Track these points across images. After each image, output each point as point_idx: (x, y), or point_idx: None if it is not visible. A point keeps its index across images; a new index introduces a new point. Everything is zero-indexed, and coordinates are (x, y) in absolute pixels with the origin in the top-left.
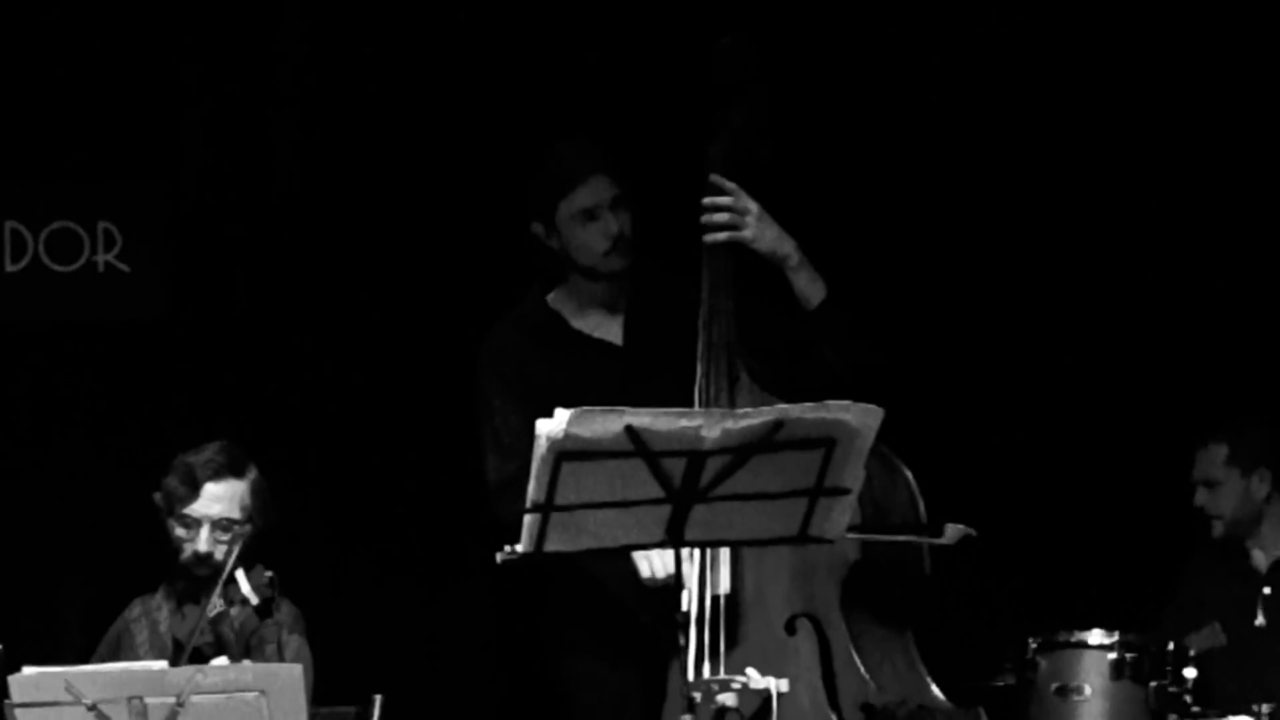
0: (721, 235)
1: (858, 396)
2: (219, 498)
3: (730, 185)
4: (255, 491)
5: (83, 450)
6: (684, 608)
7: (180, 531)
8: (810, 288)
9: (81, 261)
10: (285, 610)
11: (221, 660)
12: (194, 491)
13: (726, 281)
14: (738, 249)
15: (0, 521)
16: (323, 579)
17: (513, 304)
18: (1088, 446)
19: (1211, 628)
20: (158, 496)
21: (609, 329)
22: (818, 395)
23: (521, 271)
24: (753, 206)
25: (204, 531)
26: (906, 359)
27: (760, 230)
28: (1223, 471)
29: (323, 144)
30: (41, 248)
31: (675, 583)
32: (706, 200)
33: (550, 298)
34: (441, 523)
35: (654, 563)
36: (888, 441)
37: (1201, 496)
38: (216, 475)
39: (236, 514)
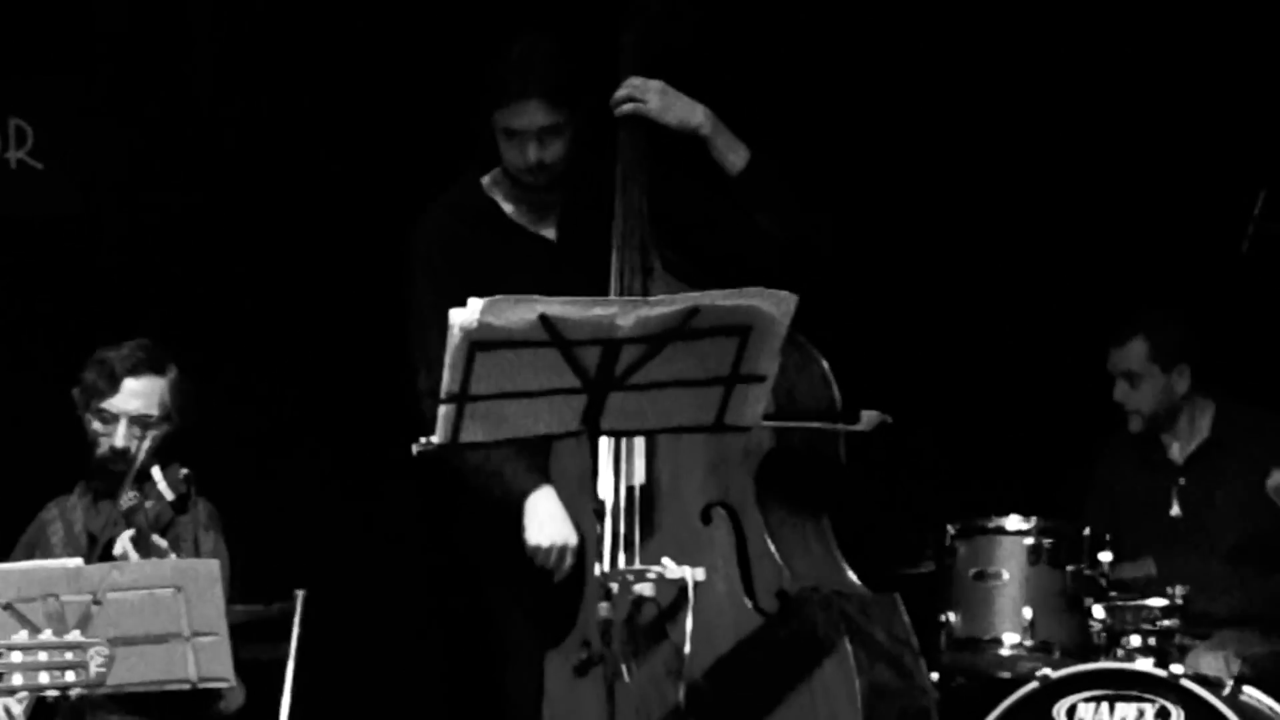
0: (627, 108)
1: (800, 265)
2: (137, 393)
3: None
4: (174, 389)
5: None
6: (601, 498)
7: (97, 426)
8: (731, 153)
9: None
10: (201, 508)
11: (127, 535)
12: (113, 386)
13: (638, 168)
14: (652, 132)
15: None
16: (245, 476)
17: (442, 189)
18: (1005, 332)
19: (1145, 560)
20: (75, 392)
21: (544, 222)
22: (746, 278)
23: (447, 160)
24: (655, 84)
25: (121, 427)
26: (848, 219)
27: (666, 102)
28: (1143, 366)
29: (242, 34)
30: None
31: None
32: (621, 90)
33: (485, 182)
34: (362, 417)
35: (544, 529)
36: (802, 329)
37: (1121, 391)
38: (135, 371)
39: (155, 410)
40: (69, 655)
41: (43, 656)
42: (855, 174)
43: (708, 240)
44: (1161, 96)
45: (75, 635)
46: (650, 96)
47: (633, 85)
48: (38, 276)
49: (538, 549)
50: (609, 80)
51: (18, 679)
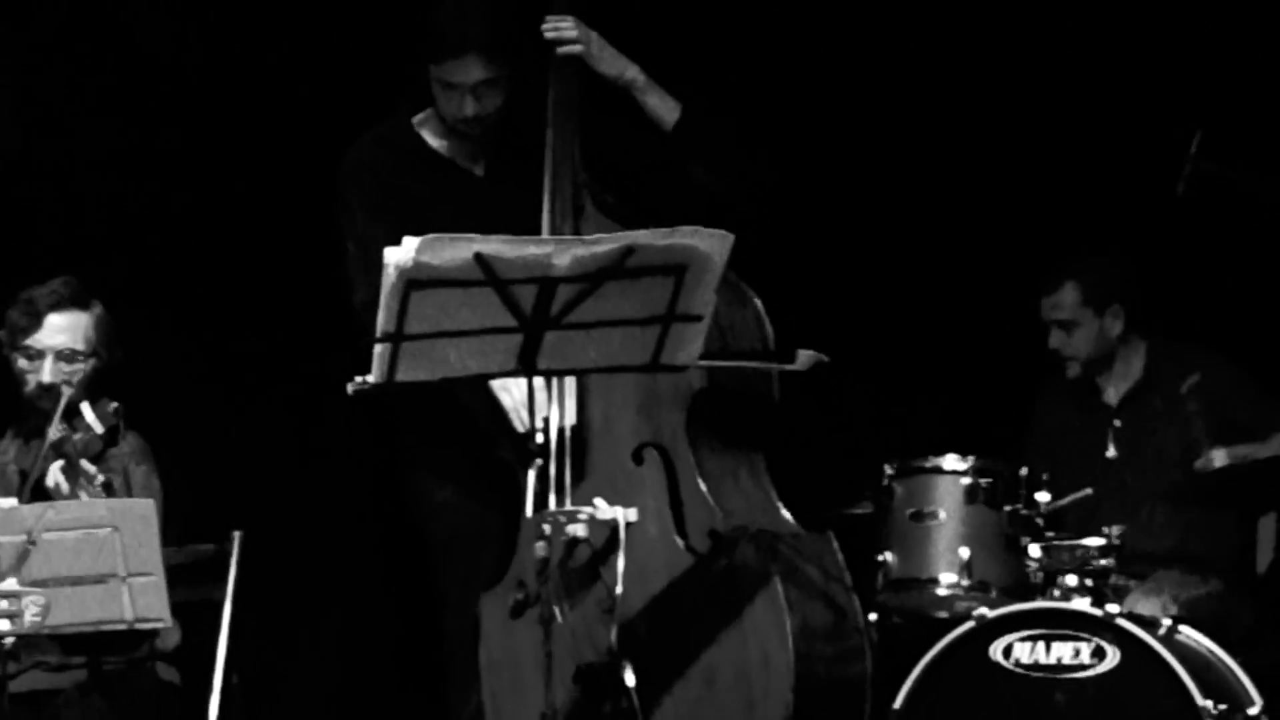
0: (562, 49)
1: (733, 215)
2: (62, 328)
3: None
4: (99, 324)
5: None
6: (536, 440)
7: (23, 364)
8: (663, 108)
9: None
10: (132, 441)
11: (57, 466)
12: (36, 322)
13: (571, 110)
14: (585, 75)
15: None
16: (183, 417)
17: (372, 125)
18: (943, 272)
19: (1084, 495)
20: (1, 332)
21: (473, 159)
22: (679, 221)
23: (381, 97)
24: (592, 34)
25: (47, 363)
26: (785, 160)
27: (600, 51)
28: (1076, 312)
29: None
30: None
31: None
32: (547, 23)
33: (416, 120)
34: (299, 357)
35: (514, 393)
36: (738, 267)
37: (1056, 339)
38: (59, 306)
39: (80, 345)
40: (3, 604)
41: None
42: (792, 116)
43: (640, 186)
44: (1096, 37)
45: (11, 584)
46: (590, 41)
47: (570, 26)
48: None
49: (516, 407)
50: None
51: None
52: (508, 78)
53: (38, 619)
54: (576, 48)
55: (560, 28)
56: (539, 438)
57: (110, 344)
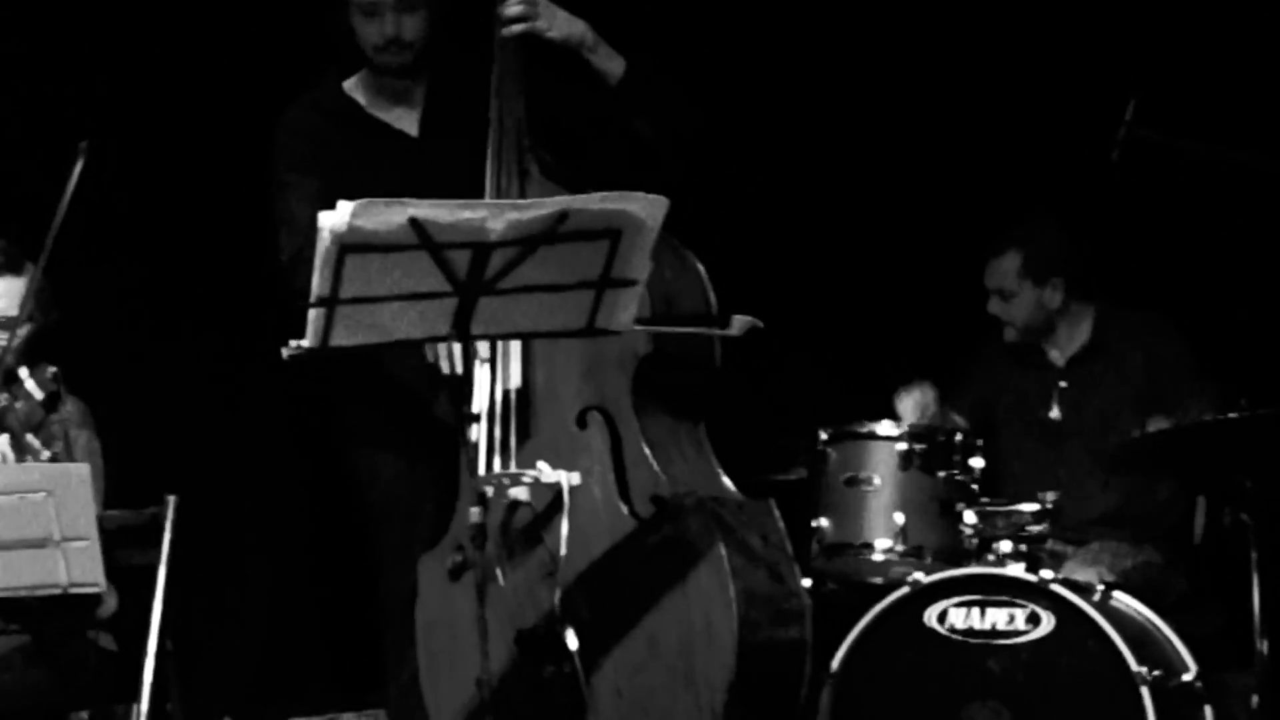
0: (517, 28)
1: (668, 163)
2: None
3: None
4: (33, 289)
5: None
6: (475, 402)
7: None
8: (610, 64)
9: None
10: (72, 406)
11: (4, 440)
12: None
13: (517, 74)
14: (529, 42)
15: None
16: (116, 380)
17: (307, 88)
18: (879, 236)
19: (922, 389)
20: None
21: (406, 120)
22: (622, 181)
23: (317, 56)
24: (540, 4)
25: None
26: (723, 117)
27: (550, 16)
28: (1016, 283)
29: None
30: None
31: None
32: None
33: (347, 84)
34: (233, 319)
35: (455, 357)
36: (677, 231)
37: (995, 306)
38: None
39: (15, 311)
40: None
41: None
42: (732, 78)
43: (580, 143)
44: (1031, 2)
45: None
46: (540, 13)
47: (516, 8)
48: None
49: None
50: None
51: None
52: (429, 4)
53: None
54: (534, 25)
55: (520, 9)
56: (477, 400)
57: (46, 307)
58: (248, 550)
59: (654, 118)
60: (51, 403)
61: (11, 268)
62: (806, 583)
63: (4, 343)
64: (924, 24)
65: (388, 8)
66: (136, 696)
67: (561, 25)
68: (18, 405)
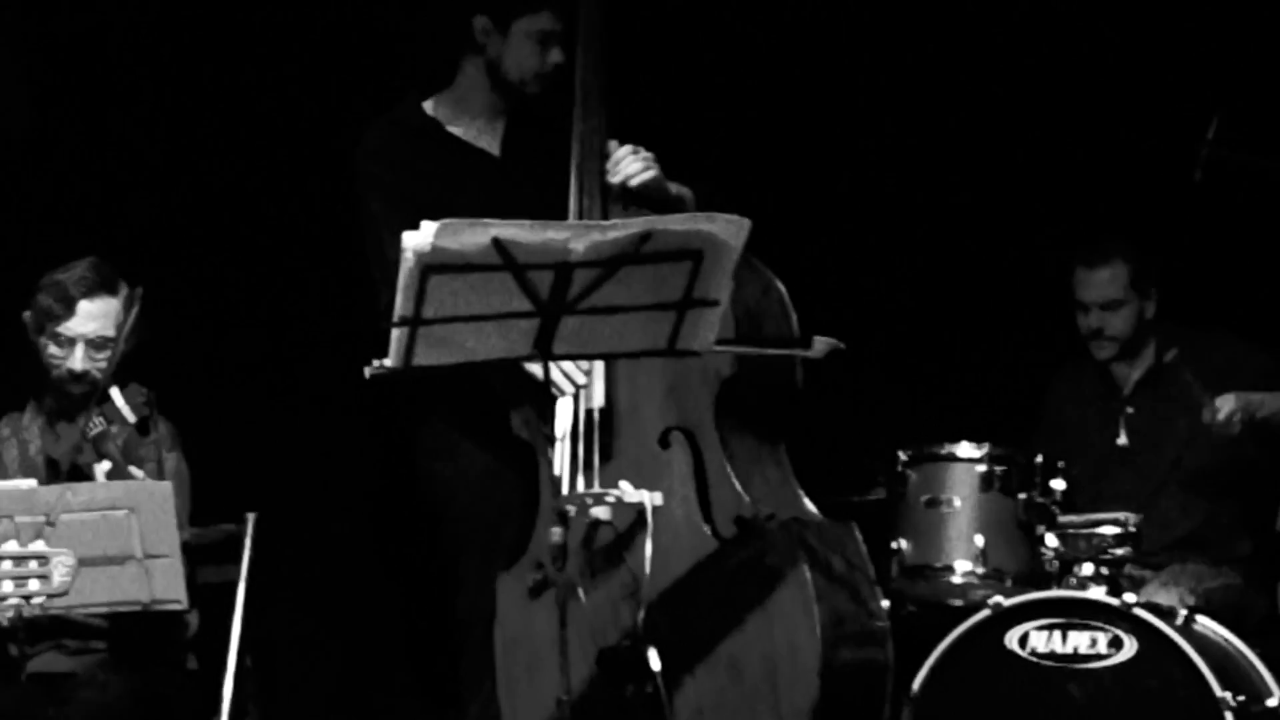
0: (643, 177)
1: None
2: (94, 315)
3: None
4: (127, 308)
5: None
6: (559, 421)
7: (54, 350)
8: (689, 206)
9: None
10: (163, 428)
11: (102, 469)
12: (68, 310)
13: (602, 97)
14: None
15: None
16: (197, 397)
17: (388, 109)
18: (959, 258)
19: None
20: (27, 316)
21: (487, 140)
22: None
23: (400, 79)
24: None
25: (79, 349)
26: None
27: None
28: (1125, 292)
29: None
30: None
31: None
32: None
33: (427, 104)
34: (316, 338)
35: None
36: (759, 253)
37: (1098, 318)
38: (90, 292)
39: (110, 331)
40: (33, 565)
41: (6, 566)
42: (812, 101)
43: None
44: (1111, 25)
45: (39, 545)
46: (652, 170)
47: (635, 164)
48: None
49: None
50: None
51: None
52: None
53: (67, 579)
54: (654, 174)
55: (631, 167)
56: (560, 420)
57: (138, 327)
58: (327, 568)
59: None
60: (144, 426)
61: (108, 287)
62: (885, 604)
63: (97, 362)
64: (1009, 44)
65: (556, 38)
66: (216, 714)
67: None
68: (113, 429)
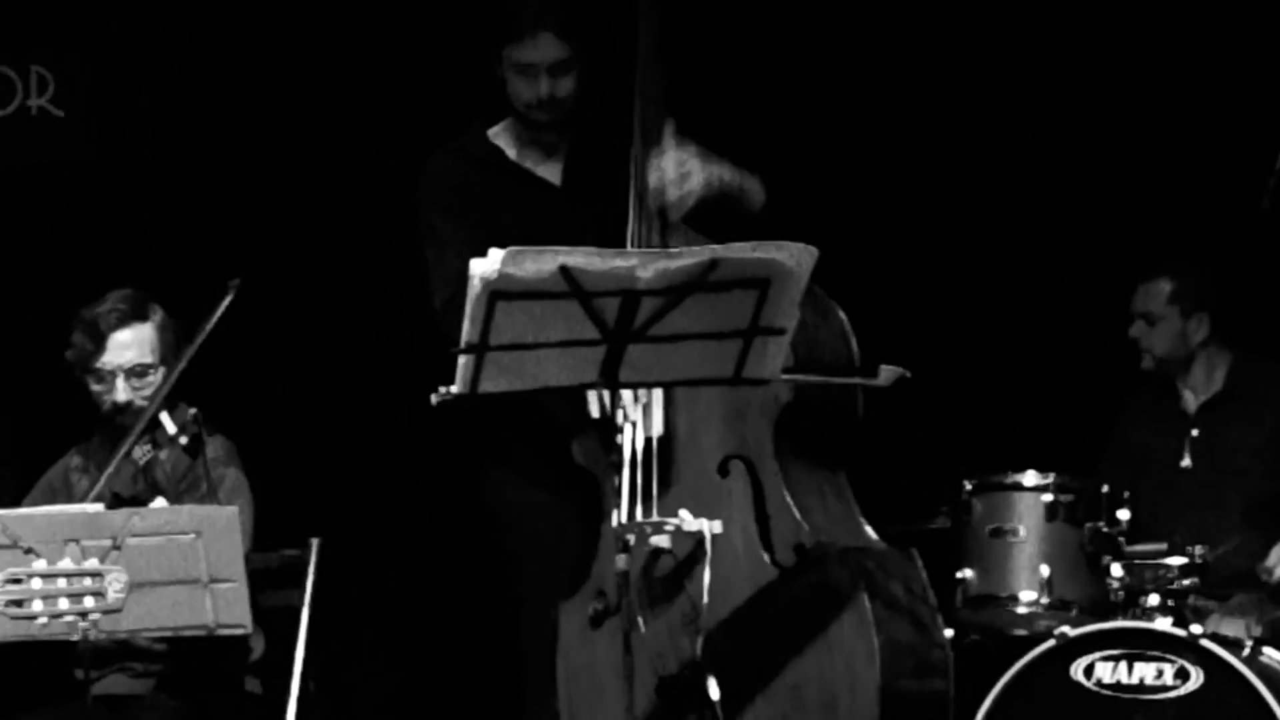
0: (690, 201)
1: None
2: (127, 345)
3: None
4: (162, 332)
5: (15, 294)
6: (618, 450)
7: (97, 386)
8: (754, 196)
9: (14, 105)
10: (218, 444)
11: (160, 502)
12: (100, 345)
13: (659, 127)
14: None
15: None
16: (261, 423)
17: (453, 137)
18: (1024, 287)
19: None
20: (69, 354)
21: (549, 168)
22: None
23: (462, 106)
24: (689, 154)
25: (119, 382)
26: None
27: (709, 172)
28: (1163, 308)
29: None
30: None
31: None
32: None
33: (491, 131)
34: (380, 364)
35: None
36: (821, 282)
37: (1138, 329)
38: (120, 323)
39: (148, 358)
40: (88, 582)
41: (62, 584)
42: (878, 124)
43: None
44: (1180, 49)
45: (92, 562)
46: (693, 175)
47: (674, 175)
48: (58, 222)
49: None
50: (616, 19)
51: (38, 605)
52: (580, 62)
53: (121, 595)
54: (694, 190)
55: (678, 179)
56: (625, 448)
57: (177, 347)
58: (390, 594)
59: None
60: (195, 445)
61: (138, 315)
62: (949, 634)
63: (140, 390)
64: (1088, 69)
65: (543, 70)
66: None
67: (718, 179)
68: (162, 455)
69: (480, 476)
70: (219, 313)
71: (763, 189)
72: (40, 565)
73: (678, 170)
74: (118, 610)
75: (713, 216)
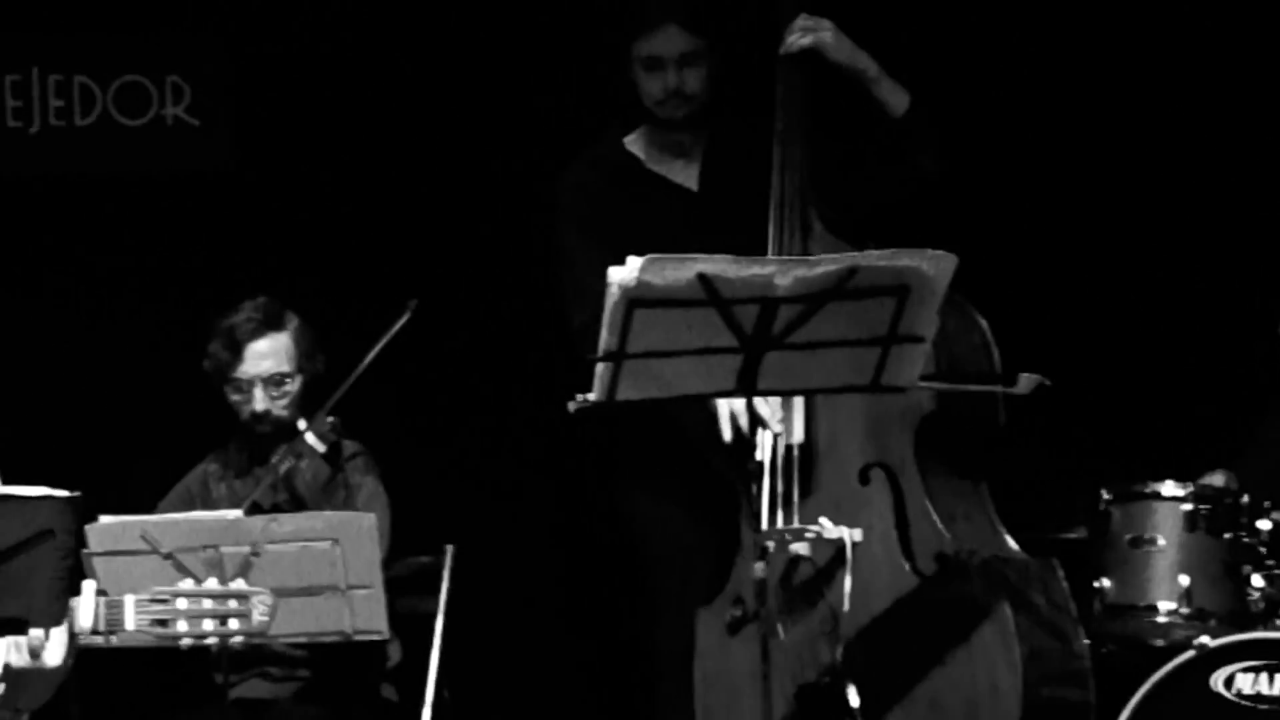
0: (805, 40)
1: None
2: (264, 354)
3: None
4: (298, 340)
5: (152, 302)
6: (759, 457)
7: (235, 396)
8: (894, 97)
9: (150, 115)
10: (356, 452)
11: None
12: (237, 355)
13: (801, 120)
14: (813, 80)
15: (74, 373)
16: (396, 430)
17: (588, 145)
18: (1166, 294)
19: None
20: (207, 364)
21: (685, 174)
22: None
23: (598, 113)
24: (827, 23)
25: (257, 391)
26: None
27: (839, 40)
28: None
29: None
30: (110, 101)
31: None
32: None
33: (628, 140)
34: (516, 373)
35: (739, 421)
36: (962, 289)
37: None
38: (256, 333)
39: (285, 366)
40: (233, 604)
41: (207, 604)
42: (1015, 136)
43: (854, 189)
44: None
45: (239, 584)
46: (825, 32)
47: (805, 22)
48: (192, 230)
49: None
50: (758, 22)
51: (182, 625)
52: (710, 57)
53: (265, 619)
54: (820, 37)
55: (805, 25)
56: (759, 455)
57: (313, 356)
58: (525, 601)
59: (936, 151)
60: (334, 455)
61: (273, 324)
62: (1087, 643)
63: (278, 398)
64: (1216, 79)
65: (670, 62)
66: None
67: (846, 50)
68: (302, 465)
69: (616, 483)
70: (393, 331)
71: (908, 100)
72: (187, 585)
73: (809, 20)
74: (262, 633)
75: (843, 101)
